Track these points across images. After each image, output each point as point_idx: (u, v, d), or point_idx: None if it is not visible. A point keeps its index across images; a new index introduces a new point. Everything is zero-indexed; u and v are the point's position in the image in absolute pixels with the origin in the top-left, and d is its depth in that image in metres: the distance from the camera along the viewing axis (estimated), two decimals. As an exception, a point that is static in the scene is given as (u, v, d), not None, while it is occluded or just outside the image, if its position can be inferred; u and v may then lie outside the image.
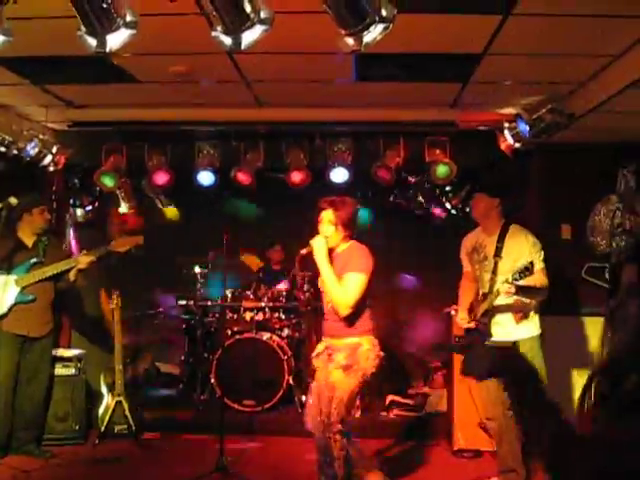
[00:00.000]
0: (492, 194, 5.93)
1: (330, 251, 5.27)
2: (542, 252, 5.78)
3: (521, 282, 5.33)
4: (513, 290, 5.43)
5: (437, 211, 9.27)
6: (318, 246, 5.19)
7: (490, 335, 5.78)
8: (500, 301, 5.68)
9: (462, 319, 5.97)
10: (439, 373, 8.64)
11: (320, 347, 5.47)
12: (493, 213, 5.92)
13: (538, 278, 5.55)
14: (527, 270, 5.26)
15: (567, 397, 6.85)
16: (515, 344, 5.72)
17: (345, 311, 5.16)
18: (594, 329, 7.10)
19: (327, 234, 5.25)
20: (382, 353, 5.35)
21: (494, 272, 5.78)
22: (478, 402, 6.35)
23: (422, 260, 9.52)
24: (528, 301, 5.68)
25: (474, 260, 6.02)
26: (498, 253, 5.81)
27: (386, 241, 9.61)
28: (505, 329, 5.77)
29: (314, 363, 5.48)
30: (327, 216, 5.27)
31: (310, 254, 5.24)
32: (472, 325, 5.88)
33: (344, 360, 5.20)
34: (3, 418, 6.68)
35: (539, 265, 5.67)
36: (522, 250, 5.74)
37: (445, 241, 9.25)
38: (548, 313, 6.44)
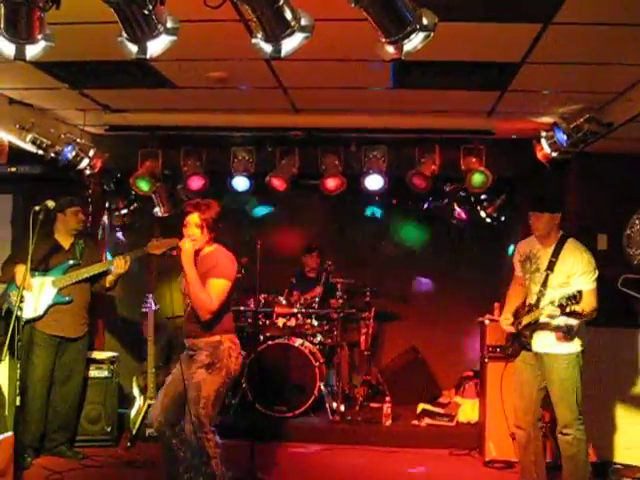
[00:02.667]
0: (554, 211, 5.81)
1: (195, 253, 5.33)
2: (596, 272, 5.60)
3: (567, 309, 5.26)
4: (558, 313, 5.33)
5: (464, 216, 9.22)
6: (186, 249, 5.27)
7: (530, 348, 5.73)
8: (545, 319, 5.61)
9: (506, 319, 5.90)
10: (471, 382, 8.59)
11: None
12: (554, 228, 5.82)
13: (588, 302, 5.36)
14: (574, 299, 5.16)
15: (601, 408, 6.83)
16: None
17: (207, 316, 5.23)
18: (630, 341, 7.02)
19: (194, 237, 5.33)
20: (244, 352, 5.54)
21: (544, 285, 5.67)
22: (510, 409, 6.29)
23: (455, 268, 9.47)
24: (575, 322, 5.59)
25: (525, 269, 5.91)
26: (551, 267, 5.68)
27: (421, 249, 9.62)
28: (546, 341, 5.68)
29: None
30: (193, 219, 5.33)
31: (178, 256, 5.30)
32: (513, 330, 5.83)
33: (207, 359, 5.26)
34: (37, 419, 6.74)
35: (591, 286, 5.51)
36: (575, 267, 5.60)
37: (480, 249, 9.27)
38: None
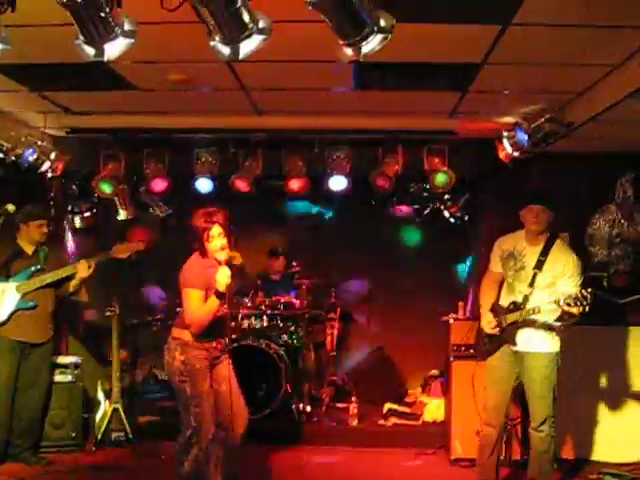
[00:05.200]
0: (553, 208, 5.72)
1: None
2: (582, 277, 5.64)
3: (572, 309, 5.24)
4: (559, 313, 5.35)
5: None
6: (228, 276, 5.21)
7: (515, 345, 5.73)
8: (534, 316, 5.61)
9: (489, 323, 5.81)
10: (437, 382, 8.62)
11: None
12: (548, 226, 5.75)
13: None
14: (584, 300, 5.16)
15: (577, 406, 6.93)
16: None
17: None
18: (585, 338, 7.10)
19: (225, 246, 5.29)
20: None
21: (531, 284, 5.65)
22: (482, 406, 6.29)
23: (421, 266, 9.51)
24: (558, 323, 5.62)
25: (508, 266, 5.84)
26: (539, 266, 5.64)
27: (385, 247, 9.64)
28: (529, 339, 5.66)
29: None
30: (216, 231, 5.27)
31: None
32: (497, 332, 5.78)
33: None
34: (1, 426, 6.66)
35: (577, 289, 5.46)
36: (566, 269, 5.60)
37: (445, 247, 9.31)
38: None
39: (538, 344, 5.66)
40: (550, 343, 5.67)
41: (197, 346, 5.34)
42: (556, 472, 6.59)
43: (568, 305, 5.24)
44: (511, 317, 5.69)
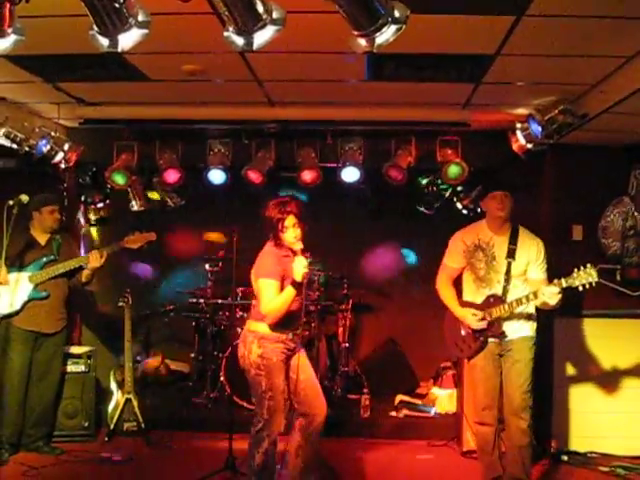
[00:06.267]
0: (512, 194, 5.79)
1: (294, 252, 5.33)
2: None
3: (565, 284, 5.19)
4: (557, 291, 5.22)
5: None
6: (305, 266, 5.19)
7: (505, 337, 5.70)
8: (519, 309, 5.61)
9: (474, 315, 5.72)
10: (449, 373, 8.62)
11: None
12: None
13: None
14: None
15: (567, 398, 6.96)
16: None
17: None
18: (602, 331, 7.11)
19: (299, 237, 5.30)
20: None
21: (507, 273, 5.66)
22: (471, 404, 6.27)
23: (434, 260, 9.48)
24: (534, 311, 5.69)
25: (477, 259, 5.82)
26: (512, 254, 5.67)
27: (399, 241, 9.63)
28: (514, 327, 5.70)
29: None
30: (291, 221, 5.29)
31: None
32: (484, 325, 5.71)
33: None
34: (14, 415, 6.73)
35: (545, 275, 5.65)
36: (536, 255, 5.68)
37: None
38: (557, 314, 6.44)
39: (521, 330, 5.70)
40: (530, 327, 5.73)
41: (274, 339, 5.33)
42: (566, 465, 6.62)
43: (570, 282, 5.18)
44: (496, 312, 5.63)
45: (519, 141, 7.03)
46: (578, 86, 6.10)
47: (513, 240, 5.72)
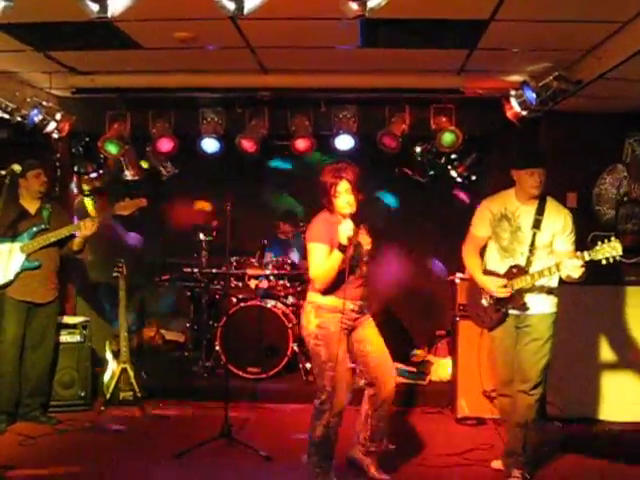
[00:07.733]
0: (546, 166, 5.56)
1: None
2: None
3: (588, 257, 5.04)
4: (580, 264, 5.07)
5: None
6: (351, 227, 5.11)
7: (527, 310, 5.51)
8: (541, 281, 5.45)
9: (499, 285, 5.52)
10: (443, 341, 8.65)
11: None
12: None
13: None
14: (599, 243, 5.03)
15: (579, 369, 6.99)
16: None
17: None
18: (602, 298, 7.13)
19: (352, 203, 5.20)
20: None
21: (532, 244, 5.46)
22: (493, 376, 6.24)
23: (428, 228, 9.45)
24: (556, 284, 5.54)
25: (502, 228, 5.61)
26: (537, 225, 5.45)
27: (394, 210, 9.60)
28: (533, 301, 5.51)
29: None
30: (344, 186, 5.18)
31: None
32: (507, 293, 5.49)
33: None
34: (10, 385, 6.74)
35: (574, 246, 5.46)
36: (565, 226, 5.46)
37: (450, 207, 9.26)
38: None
39: (541, 305, 5.52)
40: (551, 303, 5.54)
41: (332, 309, 5.26)
42: (562, 430, 6.65)
43: (591, 254, 5.04)
44: (519, 282, 5.45)
45: (513, 108, 7.00)
46: (572, 52, 6.06)
47: (540, 210, 5.50)
